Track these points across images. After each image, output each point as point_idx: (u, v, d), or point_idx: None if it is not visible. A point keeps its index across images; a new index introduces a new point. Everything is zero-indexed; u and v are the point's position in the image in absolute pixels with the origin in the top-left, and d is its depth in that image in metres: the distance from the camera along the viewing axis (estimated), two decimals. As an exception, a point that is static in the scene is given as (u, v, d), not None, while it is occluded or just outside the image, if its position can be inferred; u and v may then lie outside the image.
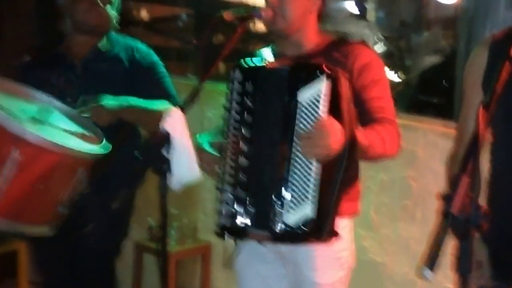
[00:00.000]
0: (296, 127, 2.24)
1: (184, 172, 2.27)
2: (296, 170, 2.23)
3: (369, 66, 2.49)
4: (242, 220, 2.34)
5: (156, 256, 4.33)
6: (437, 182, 3.39)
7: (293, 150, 2.24)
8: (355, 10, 9.24)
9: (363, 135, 2.29)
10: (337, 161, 2.21)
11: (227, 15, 2.48)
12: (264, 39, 2.96)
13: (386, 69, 7.77)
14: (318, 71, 2.23)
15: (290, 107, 2.26)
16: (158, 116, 3.07)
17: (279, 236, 2.28)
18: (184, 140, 2.26)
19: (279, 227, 2.25)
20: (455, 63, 4.82)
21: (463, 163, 1.44)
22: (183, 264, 4.51)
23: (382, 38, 8.53)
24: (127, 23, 3.38)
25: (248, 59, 2.48)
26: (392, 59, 8.18)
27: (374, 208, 3.58)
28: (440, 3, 8.76)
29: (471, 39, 4.49)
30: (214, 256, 4.39)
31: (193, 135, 2.33)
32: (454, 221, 1.40)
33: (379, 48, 8.82)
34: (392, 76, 8.20)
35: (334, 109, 2.22)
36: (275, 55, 2.66)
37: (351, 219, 2.61)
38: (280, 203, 2.25)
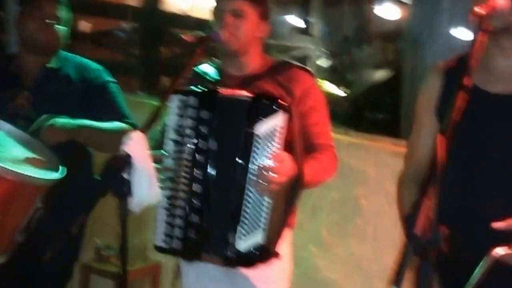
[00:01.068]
0: (252, 159, 2.38)
1: (144, 194, 2.36)
2: (250, 200, 2.38)
3: (309, 92, 2.68)
4: (192, 245, 2.48)
5: (102, 277, 4.40)
6: (388, 200, 3.53)
7: (248, 181, 2.38)
8: (299, 24, 9.39)
9: (308, 168, 2.49)
10: (288, 193, 2.42)
11: (187, 36, 2.63)
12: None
13: (330, 84, 7.94)
14: (276, 105, 2.38)
15: (247, 139, 2.39)
16: (112, 136, 3.16)
17: (231, 260, 2.43)
18: (145, 162, 2.34)
19: (230, 252, 2.40)
20: (400, 80, 5.01)
21: (424, 187, 1.56)
22: (133, 284, 4.54)
23: (326, 52, 8.70)
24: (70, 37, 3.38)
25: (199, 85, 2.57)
26: (335, 73, 8.37)
27: (325, 227, 3.70)
28: (382, 19, 8.99)
29: (416, 57, 4.68)
30: (163, 276, 4.45)
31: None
32: (416, 242, 1.52)
33: (323, 62, 8.99)
34: (336, 90, 8.38)
35: (288, 144, 2.40)
36: (219, 73, 2.79)
37: (290, 230, 2.74)
38: (233, 230, 2.39)
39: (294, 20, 9.42)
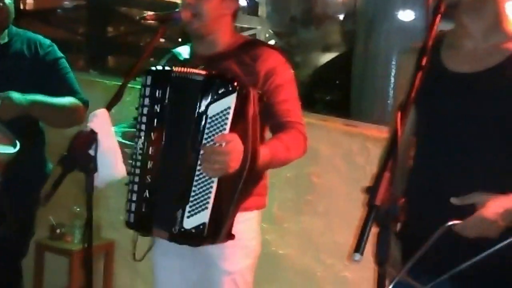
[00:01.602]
0: (201, 140, 2.42)
1: (110, 171, 2.43)
2: (198, 180, 2.44)
3: (275, 70, 2.66)
4: (144, 219, 2.57)
5: (56, 255, 4.43)
6: (339, 178, 3.68)
7: (199, 161, 2.43)
8: (246, 5, 9.39)
9: (267, 149, 2.52)
10: (237, 176, 2.43)
11: (149, 16, 2.67)
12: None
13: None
14: (230, 86, 2.40)
15: (199, 119, 2.42)
16: (65, 112, 3.21)
17: (177, 237, 2.51)
18: (110, 138, 2.42)
19: (176, 229, 2.48)
20: (351, 61, 5.11)
21: (384, 161, 1.68)
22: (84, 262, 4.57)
23: (273, 33, 8.74)
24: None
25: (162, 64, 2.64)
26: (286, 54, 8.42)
27: (278, 203, 3.79)
28: (329, 0, 9.08)
29: (370, 37, 4.78)
30: (117, 254, 4.50)
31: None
32: (376, 212, 1.64)
33: (271, 43, 8.99)
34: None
35: (240, 126, 2.41)
36: (191, 54, 2.83)
37: (259, 211, 2.82)
38: (181, 207, 2.46)
39: (241, 1, 9.46)
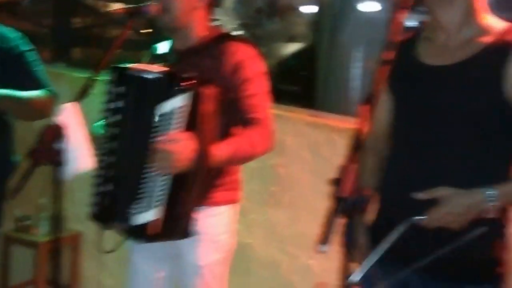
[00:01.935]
0: (153, 138, 2.45)
1: (77, 163, 2.46)
2: (148, 177, 2.48)
3: (243, 63, 2.65)
4: (105, 212, 2.63)
5: (24, 247, 4.41)
6: (304, 169, 3.71)
7: (147, 159, 2.47)
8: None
9: (227, 146, 2.54)
10: (189, 174, 2.47)
11: (117, 10, 2.67)
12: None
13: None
14: (181, 86, 2.43)
15: (152, 117, 2.46)
16: (34, 105, 3.20)
17: (130, 232, 2.57)
18: (78, 130, 2.44)
19: (129, 224, 2.52)
20: (317, 53, 5.12)
21: (350, 153, 1.72)
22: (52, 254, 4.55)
23: (239, 25, 8.71)
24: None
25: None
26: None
27: (244, 195, 3.80)
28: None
29: (332, 32, 4.80)
30: (84, 245, 4.50)
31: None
32: (342, 203, 1.67)
33: (236, 34, 8.93)
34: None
35: (191, 125, 2.44)
36: (170, 48, 2.84)
37: (231, 206, 2.84)
38: (134, 203, 2.50)
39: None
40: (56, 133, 2.37)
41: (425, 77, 2.18)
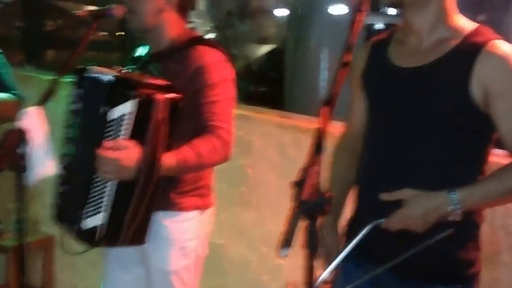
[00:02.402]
0: (102, 143, 2.36)
1: (40, 168, 2.39)
2: (96, 182, 2.41)
3: (207, 68, 2.53)
4: (60, 213, 2.59)
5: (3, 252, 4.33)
6: (271, 169, 3.67)
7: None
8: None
9: (173, 156, 2.42)
10: (134, 182, 2.38)
11: (82, 12, 2.60)
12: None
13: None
14: (131, 92, 2.34)
15: (102, 121, 2.37)
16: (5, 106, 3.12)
17: (77, 235, 2.48)
18: (40, 135, 2.37)
19: (77, 227, 2.45)
20: (285, 55, 5.11)
21: (311, 155, 1.67)
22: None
23: (212, 27, 8.72)
24: None
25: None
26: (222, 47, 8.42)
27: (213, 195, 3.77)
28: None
29: (300, 34, 4.79)
30: (56, 249, 4.42)
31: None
32: (304, 206, 1.62)
33: (209, 37, 8.96)
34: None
35: (139, 132, 2.35)
36: (147, 52, 2.76)
37: (201, 211, 2.75)
38: (82, 207, 2.43)
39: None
40: (19, 137, 2.31)
41: (396, 79, 2.14)
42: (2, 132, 2.32)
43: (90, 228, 2.42)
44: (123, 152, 2.31)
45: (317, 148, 1.68)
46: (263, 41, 8.10)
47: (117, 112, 2.35)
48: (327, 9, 4.70)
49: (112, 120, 2.35)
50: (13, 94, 3.19)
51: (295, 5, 5.24)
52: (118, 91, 2.36)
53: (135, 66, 2.71)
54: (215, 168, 2.72)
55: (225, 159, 2.57)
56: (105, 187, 2.39)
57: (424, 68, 2.08)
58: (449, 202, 1.99)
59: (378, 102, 2.20)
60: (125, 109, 2.34)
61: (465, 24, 2.11)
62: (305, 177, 1.63)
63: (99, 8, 2.60)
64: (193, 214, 2.71)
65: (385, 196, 2.06)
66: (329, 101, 1.76)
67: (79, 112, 2.52)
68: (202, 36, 2.79)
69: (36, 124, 2.35)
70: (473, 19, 2.15)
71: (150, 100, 2.36)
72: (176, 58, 2.59)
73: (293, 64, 4.85)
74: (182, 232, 2.68)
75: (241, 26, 8.69)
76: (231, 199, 3.81)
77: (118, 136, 2.35)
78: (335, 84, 1.79)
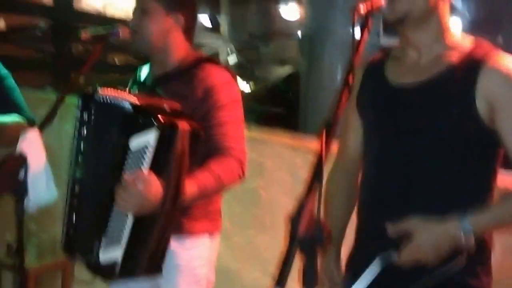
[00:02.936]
0: (122, 172, 2.16)
1: (41, 194, 2.24)
2: (116, 214, 2.21)
3: (215, 89, 2.40)
4: (70, 242, 2.37)
5: (14, 273, 4.19)
6: (284, 191, 3.52)
7: (113, 193, 2.18)
8: (209, 24, 9.37)
9: (194, 183, 2.26)
10: (154, 215, 2.18)
11: (85, 34, 2.46)
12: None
13: (240, 80, 7.85)
14: (154, 121, 2.13)
15: (121, 150, 2.17)
16: (7, 130, 2.98)
17: (92, 268, 2.30)
18: (40, 160, 2.22)
19: (92, 260, 2.25)
20: (300, 76, 4.99)
21: (308, 184, 1.48)
22: (43, 280, 4.34)
23: (234, 50, 8.68)
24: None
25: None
26: (244, 70, 8.37)
27: (227, 218, 3.63)
28: (285, 18, 9.05)
29: (313, 55, 4.67)
30: (75, 271, 4.27)
31: (51, 149, 2.27)
32: (301, 241, 1.43)
33: (232, 59, 8.95)
34: (244, 86, 8.38)
35: (162, 163, 2.15)
36: (149, 73, 2.61)
37: (211, 236, 2.58)
38: (98, 238, 2.23)
39: (204, 19, 9.40)
40: (17, 163, 2.16)
41: (394, 96, 1.99)
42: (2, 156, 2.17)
43: (108, 262, 2.23)
44: (146, 186, 2.12)
45: (316, 175, 1.49)
46: (284, 62, 8.01)
47: (137, 141, 2.15)
48: (338, 30, 4.58)
49: (132, 150, 2.15)
50: (22, 116, 3.04)
51: (305, 27, 5.14)
52: (138, 119, 2.16)
53: (141, 88, 2.57)
54: (229, 190, 2.57)
55: (241, 178, 2.44)
56: (124, 219, 2.19)
57: (425, 84, 1.93)
58: (461, 229, 1.80)
59: (376, 121, 2.02)
60: (147, 138, 2.13)
61: (462, 39, 1.98)
62: (302, 209, 1.44)
63: (104, 29, 2.48)
64: (205, 239, 2.55)
65: (391, 229, 1.87)
66: (330, 124, 1.58)
67: (88, 137, 2.31)
68: (208, 56, 2.63)
69: (35, 149, 2.19)
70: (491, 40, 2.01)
71: (174, 129, 2.15)
72: (183, 79, 2.44)
73: (307, 85, 4.72)
74: (194, 258, 2.52)
75: (263, 48, 8.62)
76: (244, 222, 3.68)
77: (139, 167, 2.14)
78: (336, 106, 1.61)
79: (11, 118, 3.01)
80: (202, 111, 2.37)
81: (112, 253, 2.21)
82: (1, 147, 3.11)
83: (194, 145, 2.22)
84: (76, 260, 2.42)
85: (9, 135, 3.02)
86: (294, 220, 1.45)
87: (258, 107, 5.92)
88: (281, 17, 9.33)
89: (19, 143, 2.21)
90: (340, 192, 2.17)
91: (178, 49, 2.50)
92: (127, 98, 2.24)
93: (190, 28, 2.52)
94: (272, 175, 3.58)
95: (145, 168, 2.13)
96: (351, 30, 1.71)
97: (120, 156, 2.16)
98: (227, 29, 8.64)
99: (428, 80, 1.93)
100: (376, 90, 2.02)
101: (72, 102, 3.19)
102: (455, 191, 1.90)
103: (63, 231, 2.38)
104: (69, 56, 6.95)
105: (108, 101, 2.26)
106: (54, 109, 2.27)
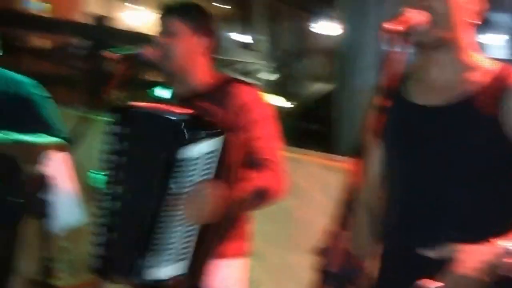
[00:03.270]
0: (171, 184, 2.09)
1: (67, 216, 2.14)
2: (162, 227, 2.11)
3: (248, 106, 2.36)
4: (105, 264, 2.23)
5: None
6: (317, 210, 3.37)
7: (163, 206, 2.10)
8: (243, 40, 9.34)
9: (240, 194, 2.19)
10: (215, 223, 2.12)
11: (111, 54, 2.39)
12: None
13: (276, 97, 7.77)
14: (211, 130, 2.10)
15: (170, 162, 2.10)
16: (41, 149, 2.91)
17: (148, 285, 2.17)
18: (66, 182, 2.12)
19: (135, 277, 2.14)
20: (335, 95, 4.87)
21: (341, 218, 1.34)
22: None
23: (269, 66, 8.62)
24: (15, 50, 3.11)
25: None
26: (278, 86, 8.30)
27: (261, 237, 3.52)
28: (320, 34, 8.95)
29: (345, 71, 4.54)
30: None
31: (81, 166, 2.18)
32: (331, 276, 1.30)
33: (268, 76, 8.89)
34: (282, 102, 8.29)
35: (219, 172, 2.11)
36: (172, 95, 2.53)
37: (244, 258, 2.47)
38: (141, 255, 2.12)
39: (238, 36, 9.37)
40: (41, 184, 2.06)
41: (418, 117, 1.85)
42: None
43: (169, 277, 2.11)
44: (210, 193, 2.07)
45: (348, 207, 1.34)
46: (319, 79, 7.90)
47: (192, 151, 2.08)
48: (373, 48, 4.45)
49: (185, 160, 2.08)
50: (55, 134, 2.96)
51: (338, 47, 5.03)
52: (192, 128, 2.10)
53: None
54: (261, 210, 2.46)
55: (283, 191, 2.36)
56: (182, 231, 2.10)
57: (451, 106, 1.80)
58: (501, 253, 1.62)
59: (400, 143, 1.88)
60: (203, 148, 2.08)
61: (484, 61, 1.84)
62: (331, 243, 1.30)
63: (130, 49, 2.43)
64: (238, 261, 2.44)
65: (430, 254, 1.70)
66: (361, 151, 1.43)
67: (125, 152, 2.22)
68: (235, 77, 2.55)
69: (61, 170, 2.10)
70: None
71: (229, 139, 2.13)
72: (213, 98, 2.37)
73: (340, 103, 4.60)
74: (227, 280, 2.39)
75: (299, 65, 8.54)
76: (280, 242, 3.56)
77: (194, 176, 2.08)
78: (365, 130, 1.47)
79: (43, 138, 2.94)
80: (236, 127, 2.29)
81: (174, 268, 2.11)
82: (29, 166, 3.05)
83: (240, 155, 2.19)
84: (116, 281, 2.28)
85: (37, 155, 2.96)
86: (325, 254, 1.31)
87: (294, 123, 5.81)
88: (316, 34, 9.24)
89: (45, 163, 2.12)
90: (365, 232, 1.98)
91: (202, 71, 2.44)
92: (167, 110, 2.20)
93: (213, 49, 2.47)
94: (305, 195, 3.47)
95: (203, 177, 2.08)
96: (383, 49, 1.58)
97: (168, 168, 2.09)
98: (263, 46, 8.59)
99: (455, 103, 1.79)
100: (397, 110, 1.86)
101: (99, 119, 3.13)
102: (487, 215, 1.76)
103: (93, 251, 2.25)
104: (102, 74, 6.92)
105: (149, 113, 2.22)
106: (79, 128, 2.20)
